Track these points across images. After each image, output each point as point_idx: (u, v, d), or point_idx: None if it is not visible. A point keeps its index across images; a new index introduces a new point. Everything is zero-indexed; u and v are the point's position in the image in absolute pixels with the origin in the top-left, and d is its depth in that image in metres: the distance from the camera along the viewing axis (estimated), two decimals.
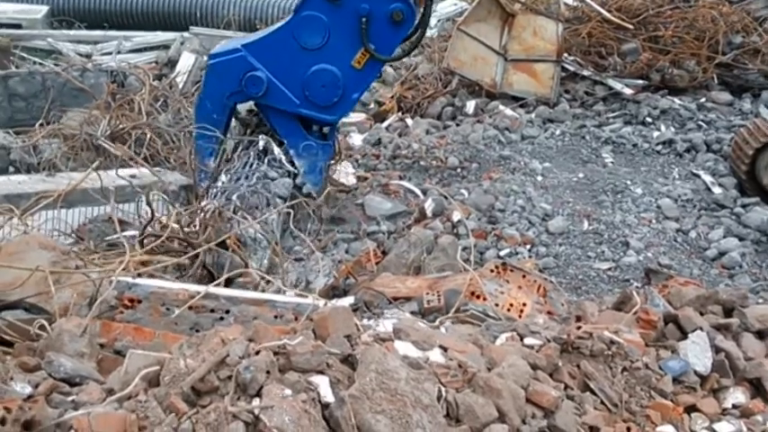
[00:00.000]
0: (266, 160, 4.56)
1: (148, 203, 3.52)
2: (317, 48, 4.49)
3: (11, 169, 4.87)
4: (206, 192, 4.32)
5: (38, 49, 7.39)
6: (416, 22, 4.56)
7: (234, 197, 4.17)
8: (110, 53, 7.45)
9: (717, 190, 5.39)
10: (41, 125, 5.27)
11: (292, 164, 4.71)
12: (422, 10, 4.57)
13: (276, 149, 4.62)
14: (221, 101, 4.58)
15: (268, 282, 3.33)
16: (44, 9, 8.28)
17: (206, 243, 3.48)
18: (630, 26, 7.28)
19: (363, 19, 4.37)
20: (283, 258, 3.95)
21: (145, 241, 3.45)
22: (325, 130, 4.83)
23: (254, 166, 4.49)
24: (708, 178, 5.56)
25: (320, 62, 4.51)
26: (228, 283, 3.32)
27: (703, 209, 5.21)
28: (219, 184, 4.40)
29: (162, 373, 2.00)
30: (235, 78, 4.50)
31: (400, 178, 5.64)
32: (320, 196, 4.74)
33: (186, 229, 3.69)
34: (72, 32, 7.96)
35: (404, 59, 7.21)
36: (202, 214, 3.84)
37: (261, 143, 4.61)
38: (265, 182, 4.44)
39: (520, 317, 3.13)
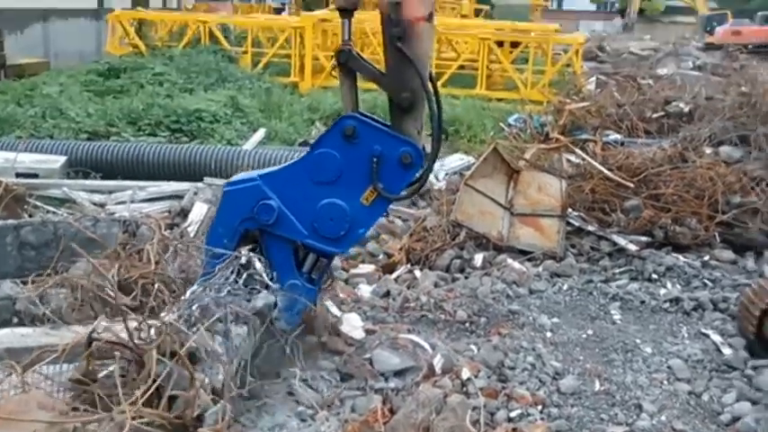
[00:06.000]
0: (244, 275, 4.48)
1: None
2: (329, 183, 4.64)
3: (14, 320, 4.83)
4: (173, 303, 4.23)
5: (52, 198, 7.54)
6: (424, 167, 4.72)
7: (194, 307, 4.03)
8: (123, 202, 7.60)
9: (726, 351, 5.33)
10: (49, 275, 5.27)
11: (272, 279, 4.67)
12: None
13: (258, 264, 4.59)
14: (233, 226, 4.68)
15: None
16: (62, 159, 8.52)
17: (157, 353, 3.37)
18: (631, 184, 7.47)
19: (375, 159, 4.54)
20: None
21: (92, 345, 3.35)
22: (314, 275, 4.87)
23: (230, 279, 4.41)
24: (717, 338, 5.51)
25: (331, 196, 4.65)
26: (172, 401, 3.23)
27: (714, 370, 5.13)
28: (187, 293, 4.30)
29: None
30: (248, 205, 4.64)
31: (409, 332, 5.59)
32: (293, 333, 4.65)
33: (138, 341, 3.56)
34: (87, 182, 8.14)
35: (415, 213, 7.32)
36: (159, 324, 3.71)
37: (243, 258, 4.57)
38: (237, 294, 4.33)
39: None
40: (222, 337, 3.94)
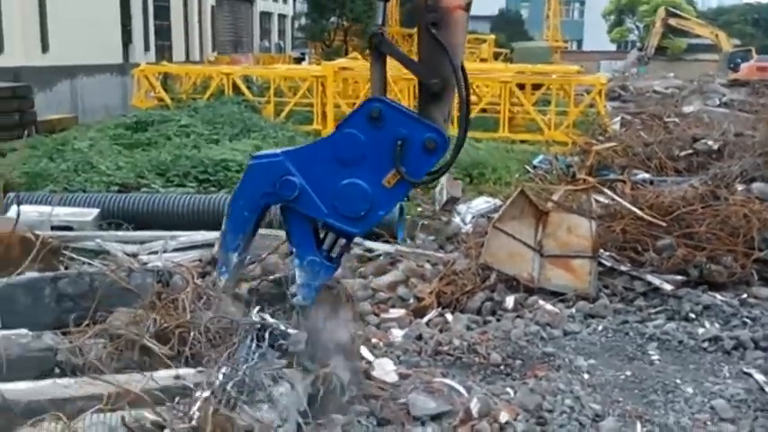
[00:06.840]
0: (266, 337, 4.42)
1: None
2: (352, 163, 4.62)
3: (56, 370, 4.86)
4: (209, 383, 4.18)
5: (87, 250, 7.63)
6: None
7: (229, 386, 3.92)
8: (156, 252, 7.67)
9: None
10: (87, 325, 5.31)
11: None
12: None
13: (273, 321, 4.55)
14: (254, 199, 4.75)
15: None
16: (94, 212, 8.65)
17: None
18: (663, 223, 7.41)
19: (399, 142, 4.53)
20: None
21: None
22: (334, 253, 4.86)
23: (254, 347, 4.34)
24: (760, 377, 5.41)
25: (353, 177, 4.63)
26: None
27: (759, 410, 5.02)
28: (221, 376, 4.13)
29: None
30: (270, 180, 4.67)
31: (443, 375, 5.55)
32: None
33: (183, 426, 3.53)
34: (120, 233, 8.24)
35: (444, 257, 7.32)
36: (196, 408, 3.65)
37: (258, 325, 4.52)
38: (267, 359, 4.27)
39: None
40: (267, 403, 3.91)
